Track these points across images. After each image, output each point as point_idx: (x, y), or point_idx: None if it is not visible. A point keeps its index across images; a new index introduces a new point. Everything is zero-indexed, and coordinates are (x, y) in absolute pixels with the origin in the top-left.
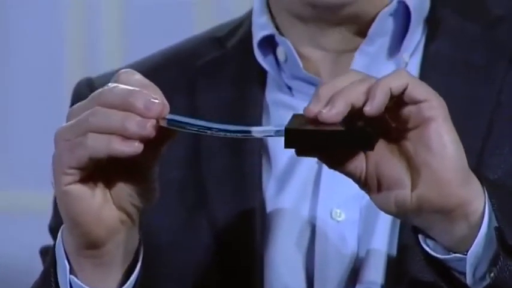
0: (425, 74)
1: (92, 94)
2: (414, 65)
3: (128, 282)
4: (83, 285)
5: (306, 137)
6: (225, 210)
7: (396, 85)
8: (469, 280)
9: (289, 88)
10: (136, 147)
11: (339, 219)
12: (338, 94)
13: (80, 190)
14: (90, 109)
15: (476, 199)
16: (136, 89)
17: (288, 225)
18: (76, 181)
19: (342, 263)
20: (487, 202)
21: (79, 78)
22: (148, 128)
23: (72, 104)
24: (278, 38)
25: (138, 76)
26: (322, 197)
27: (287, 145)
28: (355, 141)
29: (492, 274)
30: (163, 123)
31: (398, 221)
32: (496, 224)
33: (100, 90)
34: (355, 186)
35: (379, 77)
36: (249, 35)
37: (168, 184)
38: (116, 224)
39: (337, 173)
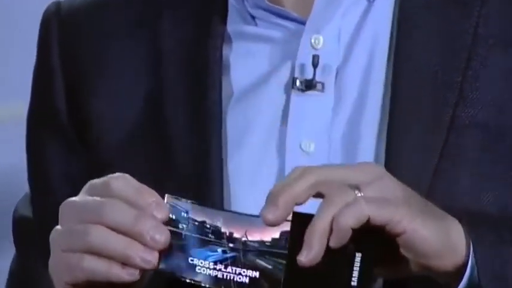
0: (402, 7)
1: (94, 201)
2: None
3: None
4: None
5: None
6: (187, 151)
7: (357, 222)
8: None
9: (253, 17)
10: (136, 276)
11: (309, 150)
12: (312, 233)
13: None
14: (87, 220)
15: (460, 244)
16: (143, 215)
17: (255, 158)
18: None
19: None
20: (470, 258)
21: None
22: (152, 263)
23: (40, 33)
24: None
25: (134, 182)
26: (291, 127)
27: None
28: None
29: None
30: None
31: (380, 158)
32: (477, 281)
33: (101, 202)
34: (325, 117)
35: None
36: None
37: (131, 126)
38: None
39: (306, 102)
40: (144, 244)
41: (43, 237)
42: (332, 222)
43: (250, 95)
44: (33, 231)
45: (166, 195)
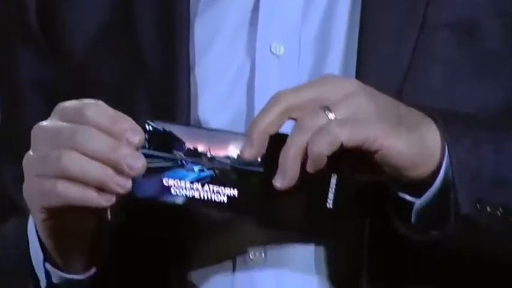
0: None
1: (68, 128)
2: None
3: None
4: (58, 272)
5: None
6: (155, 56)
7: (330, 148)
8: (414, 221)
9: None
10: (112, 201)
11: (279, 53)
12: (285, 160)
13: (56, 222)
14: (60, 146)
15: (436, 150)
16: (118, 143)
17: (223, 60)
18: (52, 217)
19: None
20: (445, 160)
21: None
22: (127, 187)
23: None
24: None
25: (108, 109)
26: (261, 29)
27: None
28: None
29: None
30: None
31: (350, 61)
32: (451, 181)
33: (75, 128)
34: (295, 18)
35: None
36: None
37: (100, 30)
38: (92, 228)
39: (276, 4)
40: (120, 172)
41: (11, 144)
42: (306, 148)
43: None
44: (2, 138)
45: (142, 119)
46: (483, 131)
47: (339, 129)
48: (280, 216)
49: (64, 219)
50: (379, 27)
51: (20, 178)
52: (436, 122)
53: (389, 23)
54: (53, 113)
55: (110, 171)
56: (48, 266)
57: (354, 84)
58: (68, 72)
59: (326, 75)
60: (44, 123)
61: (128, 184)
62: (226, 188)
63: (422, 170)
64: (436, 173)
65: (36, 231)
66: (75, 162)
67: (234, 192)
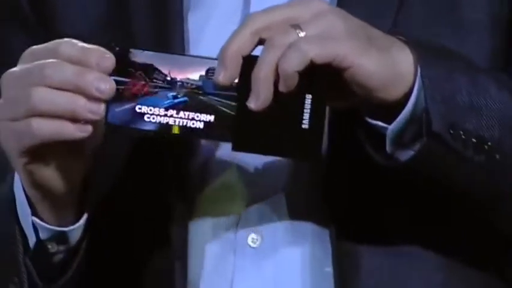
0: None
1: (36, 65)
2: None
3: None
4: (46, 225)
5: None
6: (148, 43)
7: (300, 64)
8: (388, 149)
9: None
10: (89, 131)
11: None
12: (257, 80)
13: (39, 165)
14: (29, 84)
15: (408, 73)
16: (86, 69)
17: (218, 46)
18: (32, 160)
19: None
20: (417, 81)
21: None
22: (99, 112)
23: None
24: None
25: (80, 44)
26: (254, 10)
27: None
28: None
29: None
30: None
31: None
32: (424, 105)
33: (43, 64)
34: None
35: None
36: None
37: (94, 21)
38: (75, 174)
39: None
40: (90, 96)
41: None
42: (277, 67)
43: None
44: None
45: (114, 45)
46: (460, 63)
47: (308, 45)
48: (257, 139)
49: (46, 164)
50: (355, 9)
51: None
52: (409, 46)
53: (365, 4)
54: (21, 59)
55: (80, 99)
56: (35, 219)
57: (324, 5)
58: None
59: None
60: (14, 69)
61: (100, 109)
62: (201, 114)
63: (395, 93)
64: (408, 95)
65: (23, 187)
66: (45, 96)
67: (209, 117)
